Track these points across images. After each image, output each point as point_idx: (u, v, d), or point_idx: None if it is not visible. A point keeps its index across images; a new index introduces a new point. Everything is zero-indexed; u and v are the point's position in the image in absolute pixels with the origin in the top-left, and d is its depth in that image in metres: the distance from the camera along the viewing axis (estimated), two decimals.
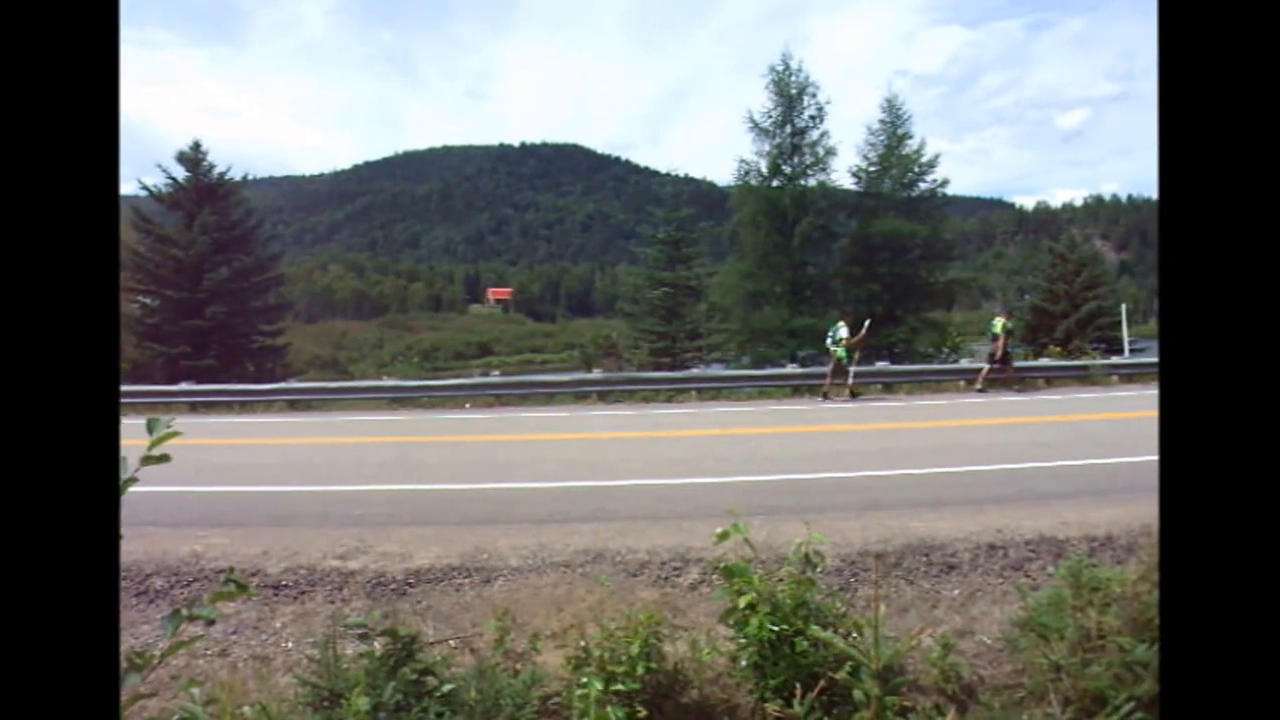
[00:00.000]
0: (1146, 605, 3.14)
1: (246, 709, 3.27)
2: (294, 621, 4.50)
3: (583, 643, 3.44)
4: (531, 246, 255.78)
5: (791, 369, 17.58)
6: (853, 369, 14.32)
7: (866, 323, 15.25)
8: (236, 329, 29.99)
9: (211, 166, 30.67)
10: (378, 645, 3.10)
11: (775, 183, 25.64)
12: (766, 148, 25.83)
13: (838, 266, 27.50)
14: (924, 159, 26.25)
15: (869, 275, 26.35)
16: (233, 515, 6.44)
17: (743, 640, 3.30)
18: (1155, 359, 17.33)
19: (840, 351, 14.10)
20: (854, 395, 14.46)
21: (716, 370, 22.70)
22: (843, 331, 14.16)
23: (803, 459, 8.49)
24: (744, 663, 3.34)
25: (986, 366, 15.29)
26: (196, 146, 30.48)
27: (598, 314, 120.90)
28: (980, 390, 14.94)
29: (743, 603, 3.25)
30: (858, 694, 2.68)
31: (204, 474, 7.98)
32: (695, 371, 19.91)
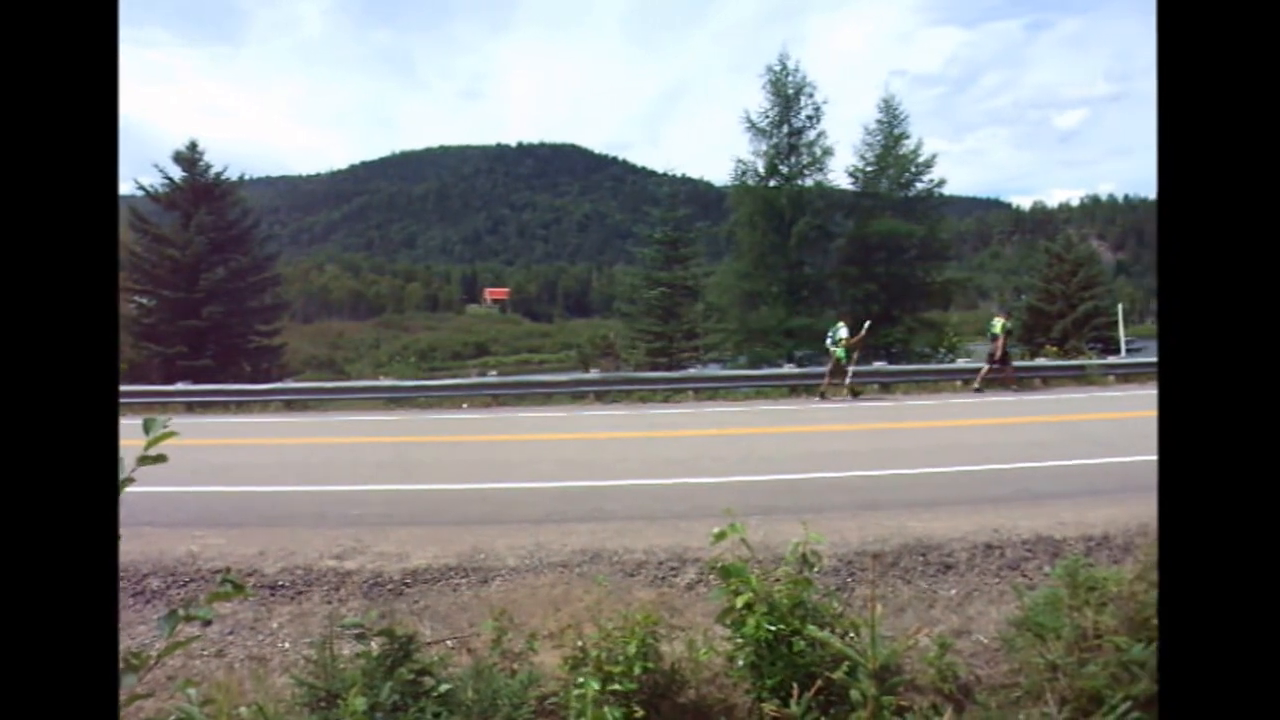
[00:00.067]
0: (1143, 605, 3.15)
1: (243, 709, 3.26)
2: (291, 622, 4.49)
3: (580, 643, 3.44)
4: (528, 246, 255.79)
5: (788, 369, 17.61)
6: (851, 369, 14.35)
7: (866, 324, 15.31)
8: (233, 329, 29.94)
9: (208, 166, 30.64)
10: (375, 645, 3.10)
11: (772, 183, 25.68)
12: (763, 148, 25.91)
13: (834, 266, 27.53)
14: (921, 159, 26.33)
15: (866, 275, 26.39)
16: (229, 515, 6.43)
17: (740, 640, 3.30)
18: (1152, 359, 17.38)
19: (840, 352, 14.14)
20: (855, 395, 14.53)
21: (713, 370, 22.69)
22: (842, 332, 14.22)
23: (799, 459, 8.49)
24: (741, 662, 3.34)
25: (986, 366, 15.31)
26: (193, 146, 30.44)
27: (595, 314, 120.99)
28: (978, 390, 14.97)
29: (740, 602, 3.25)
30: (854, 694, 2.69)
31: (200, 474, 7.96)
32: (692, 371, 19.92)
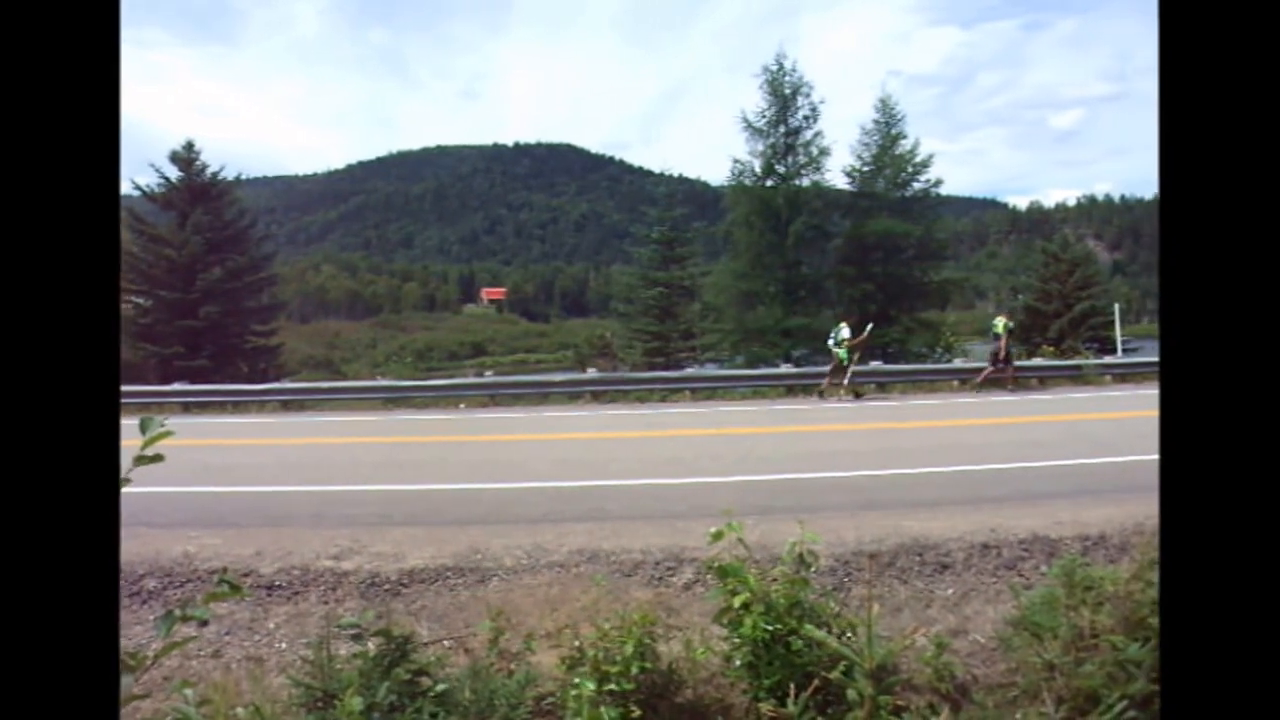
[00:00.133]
0: (1140, 604, 3.15)
1: (240, 710, 3.25)
2: (287, 622, 4.48)
3: (577, 643, 3.44)
4: (525, 246, 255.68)
5: (785, 369, 17.63)
6: (850, 369, 14.39)
7: (869, 327, 15.43)
8: (230, 329, 29.86)
9: (204, 166, 30.52)
10: (372, 646, 3.09)
11: (769, 182, 25.67)
12: (760, 148, 25.88)
13: (831, 266, 27.53)
14: (918, 159, 26.34)
15: (863, 275, 26.41)
16: (226, 515, 6.42)
17: (737, 640, 3.30)
18: (1148, 359, 17.44)
19: (843, 353, 14.22)
20: (857, 395, 14.58)
21: (710, 370, 22.70)
22: (845, 333, 14.33)
23: (797, 458, 8.50)
24: (738, 662, 3.34)
25: (990, 366, 15.30)
26: (189, 146, 30.33)
27: (592, 314, 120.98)
28: (979, 389, 14.99)
29: (737, 602, 3.25)
30: (851, 693, 2.69)
31: (197, 474, 7.95)
32: (689, 371, 19.91)
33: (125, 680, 1.37)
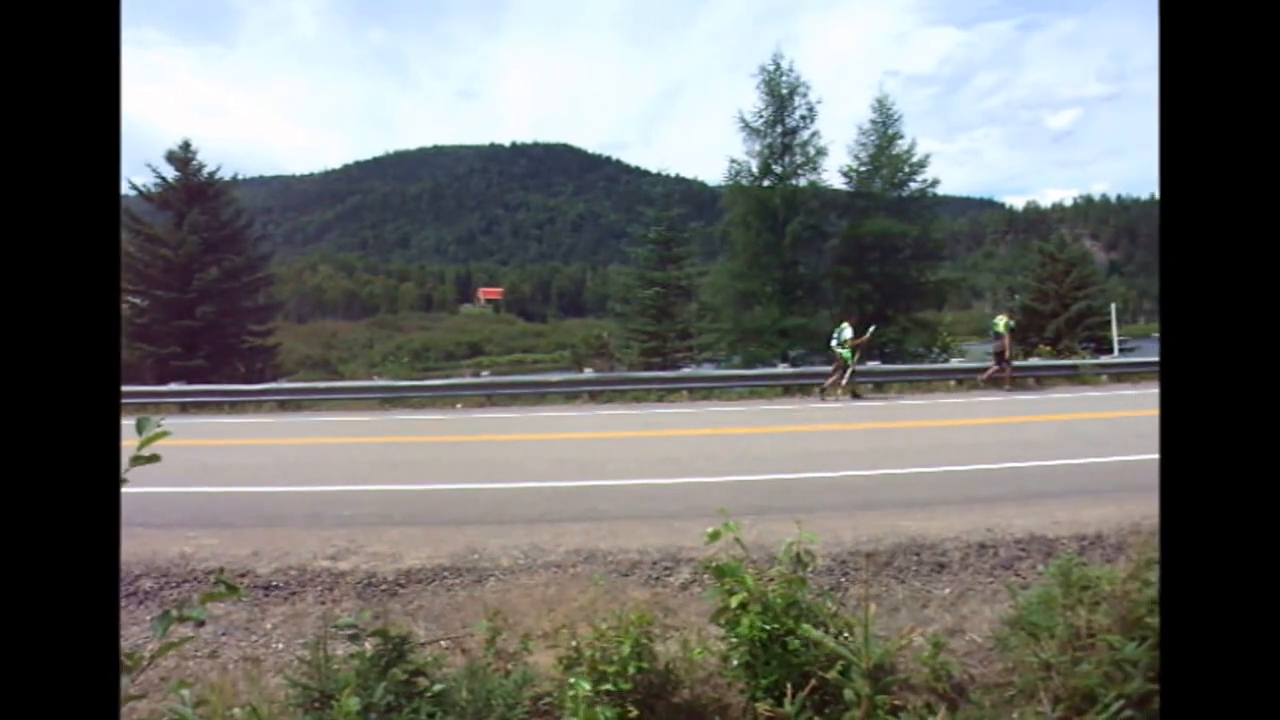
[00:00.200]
0: (1136, 604, 3.16)
1: (237, 710, 3.25)
2: (284, 622, 4.48)
3: (574, 643, 3.44)
4: (522, 246, 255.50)
5: (783, 369, 17.64)
6: (849, 369, 14.44)
7: (872, 328, 15.53)
8: (226, 329, 29.79)
9: (201, 166, 30.43)
10: (369, 646, 3.09)
11: (766, 182, 25.64)
12: (757, 147, 25.83)
13: (828, 266, 27.50)
14: (914, 159, 26.32)
15: (860, 275, 26.38)
16: (223, 516, 6.41)
17: (734, 640, 3.30)
18: (1145, 358, 17.48)
19: (845, 353, 14.29)
20: (855, 395, 14.63)
21: (707, 370, 22.71)
22: (847, 333, 14.43)
23: (794, 458, 8.50)
24: (735, 662, 3.34)
25: (994, 366, 15.31)
26: (186, 146, 30.24)
27: (589, 314, 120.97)
28: (988, 387, 15.03)
29: (734, 602, 3.26)
30: (849, 693, 2.69)
31: (194, 474, 7.93)
32: (686, 371, 19.94)
33: (122, 680, 1.37)
